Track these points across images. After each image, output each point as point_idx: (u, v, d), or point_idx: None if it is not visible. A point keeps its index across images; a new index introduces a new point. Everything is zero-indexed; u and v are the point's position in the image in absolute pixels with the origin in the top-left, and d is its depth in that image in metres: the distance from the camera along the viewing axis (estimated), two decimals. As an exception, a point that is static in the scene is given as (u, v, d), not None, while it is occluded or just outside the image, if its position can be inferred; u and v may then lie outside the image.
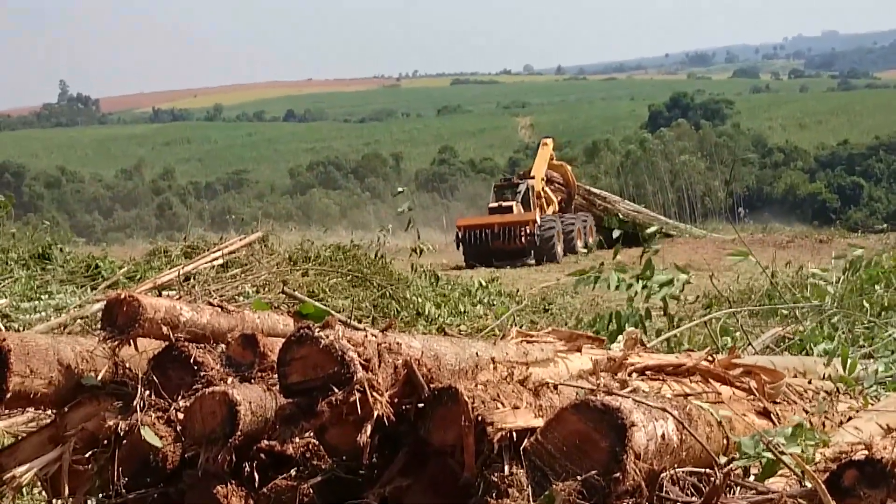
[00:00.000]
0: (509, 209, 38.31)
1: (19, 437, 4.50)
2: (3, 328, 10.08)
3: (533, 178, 40.07)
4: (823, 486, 2.97)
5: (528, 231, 36.78)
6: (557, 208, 40.43)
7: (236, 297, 12.81)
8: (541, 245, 36.56)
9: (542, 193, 40.02)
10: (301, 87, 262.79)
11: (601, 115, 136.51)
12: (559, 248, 37.13)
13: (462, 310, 14.29)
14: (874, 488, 3.00)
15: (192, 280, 14.17)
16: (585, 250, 37.35)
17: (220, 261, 15.55)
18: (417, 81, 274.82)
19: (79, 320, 11.20)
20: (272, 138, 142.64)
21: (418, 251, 18.03)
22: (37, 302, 13.03)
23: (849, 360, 5.71)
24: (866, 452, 3.06)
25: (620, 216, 40.63)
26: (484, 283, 16.13)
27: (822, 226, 57.64)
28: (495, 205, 39.15)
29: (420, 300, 14.18)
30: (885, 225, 50.05)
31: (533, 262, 36.04)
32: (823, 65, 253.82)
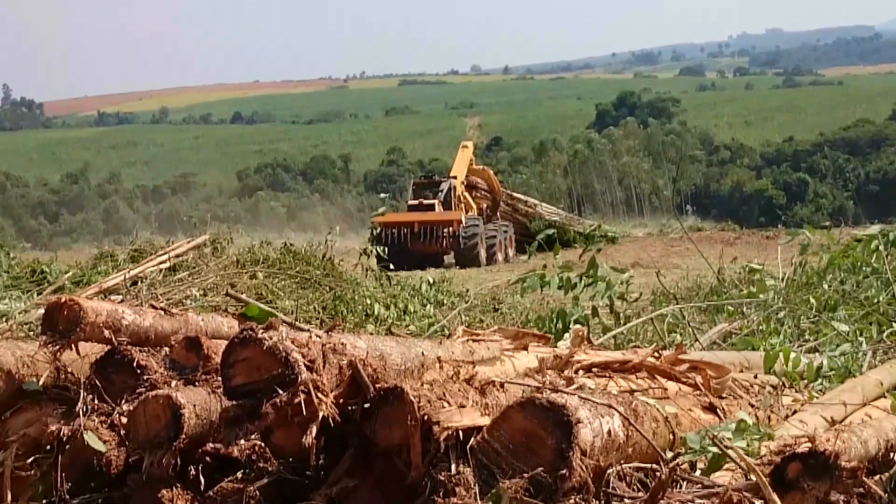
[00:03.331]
0: (431, 207, 36.06)
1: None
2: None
3: (455, 178, 37.88)
4: (765, 480, 3.00)
5: (451, 232, 34.86)
6: (476, 213, 37.76)
7: (183, 300, 12.69)
8: (463, 248, 34.66)
9: (462, 197, 37.67)
10: (248, 90, 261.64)
11: (549, 115, 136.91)
12: (482, 252, 34.98)
13: (412, 310, 14.25)
14: (817, 480, 3.03)
15: (139, 284, 14.03)
16: (506, 262, 35.41)
17: (168, 264, 15.40)
18: (365, 82, 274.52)
19: (24, 326, 11.06)
20: (219, 141, 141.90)
21: (367, 253, 18.00)
22: (-19, 308, 12.84)
23: (791, 355, 5.75)
24: (809, 445, 3.09)
25: (542, 221, 38.64)
26: (433, 283, 16.10)
27: (769, 223, 58.16)
28: (415, 202, 36.77)
29: (369, 301, 14.12)
30: (830, 221, 50.57)
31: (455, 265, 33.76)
32: (768, 62, 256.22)
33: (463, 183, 38.11)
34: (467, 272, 29.30)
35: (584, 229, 39.96)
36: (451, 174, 38.64)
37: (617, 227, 46.91)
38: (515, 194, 43.36)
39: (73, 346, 3.86)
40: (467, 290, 18.79)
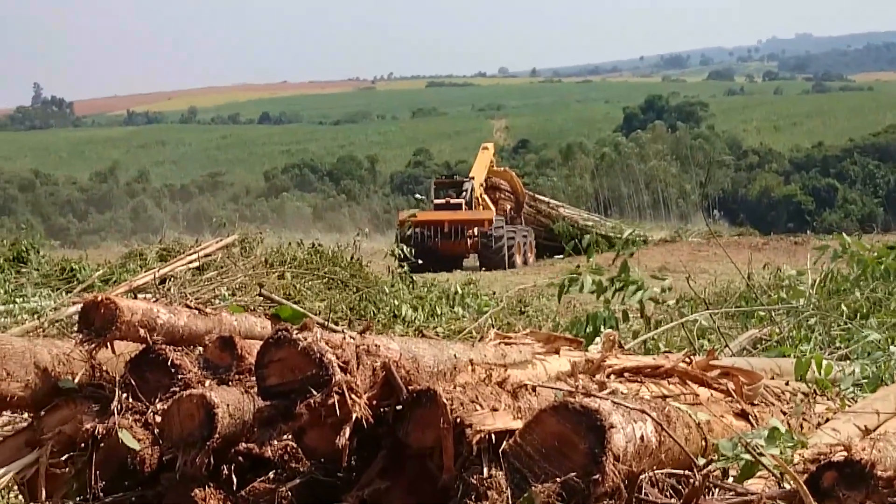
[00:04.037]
0: (458, 206, 35.59)
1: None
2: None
3: (473, 178, 37.39)
4: (805, 487, 2.98)
5: (480, 232, 34.31)
6: (497, 215, 36.88)
7: (212, 299, 12.76)
8: (491, 249, 34.11)
9: (481, 199, 37.28)
10: (276, 90, 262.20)
11: (576, 118, 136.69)
12: (507, 254, 34.51)
13: (439, 312, 14.27)
14: (853, 489, 3.01)
15: (167, 283, 14.12)
16: (524, 266, 34.85)
17: (196, 263, 15.51)
18: (393, 84, 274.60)
19: (54, 324, 11.14)
20: (247, 141, 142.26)
21: (395, 254, 18.01)
22: (11, 305, 12.95)
23: (823, 363, 5.72)
24: (845, 454, 3.07)
25: (566, 222, 38.07)
26: (461, 287, 16.10)
27: (797, 228, 57.85)
28: (443, 201, 36.15)
29: (397, 302, 14.15)
30: (859, 228, 50.26)
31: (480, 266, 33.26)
32: (797, 67, 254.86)
33: (482, 184, 37.76)
34: (493, 275, 29.26)
35: (607, 232, 39.35)
36: (470, 175, 38.17)
37: (636, 231, 46.48)
38: (538, 196, 42.85)
39: (108, 344, 3.88)
40: (494, 293, 18.78)
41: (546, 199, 42.36)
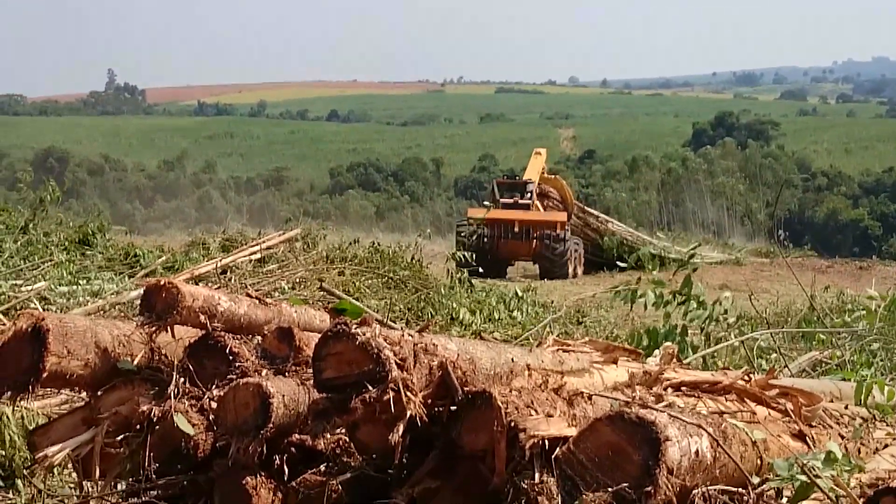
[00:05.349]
0: (527, 206, 34.39)
1: (52, 419, 4.52)
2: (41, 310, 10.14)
3: (531, 181, 35.97)
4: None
5: (555, 235, 33.28)
6: None
7: (272, 292, 12.84)
8: (555, 254, 33.09)
9: (534, 204, 35.71)
10: (346, 88, 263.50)
11: (644, 131, 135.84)
12: (570, 263, 33.58)
13: (497, 317, 14.24)
14: (911, 516, 2.96)
15: (229, 273, 14.24)
16: (575, 279, 33.41)
17: (258, 255, 15.63)
18: (462, 88, 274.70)
19: (116, 307, 11.27)
20: (315, 137, 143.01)
21: (456, 258, 18.00)
22: (75, 287, 13.10)
23: (886, 388, 5.64)
24: (904, 480, 3.02)
25: (616, 238, 36.56)
26: (520, 293, 16.05)
27: (863, 253, 57.11)
28: (510, 200, 34.77)
29: (455, 305, 14.15)
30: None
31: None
32: (873, 91, 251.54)
33: (535, 190, 36.36)
34: (550, 284, 29.09)
35: (658, 251, 37.61)
36: (526, 178, 36.79)
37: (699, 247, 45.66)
38: (588, 208, 41.20)
39: (168, 328, 3.91)
40: (552, 301, 18.74)
41: (595, 213, 40.66)
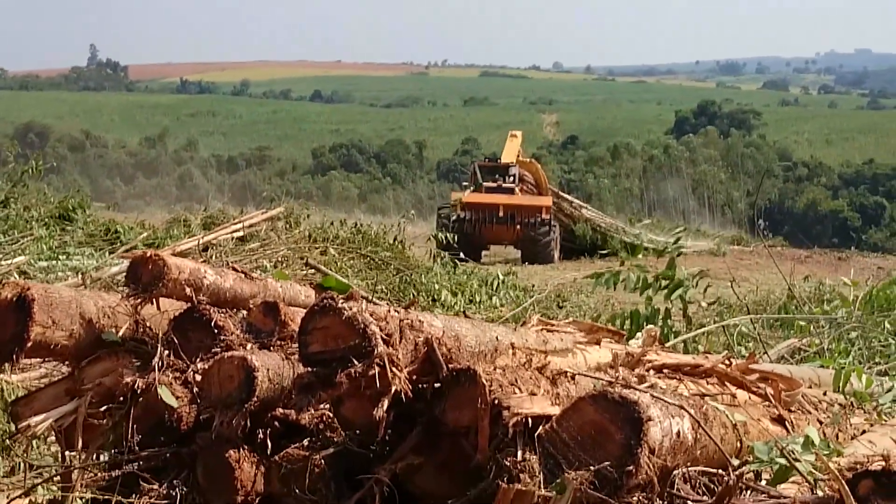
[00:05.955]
0: (510, 190, 33.59)
1: (34, 389, 4.51)
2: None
3: (513, 164, 35.19)
4: (847, 488, 2.95)
5: (540, 219, 32.68)
6: None
7: (254, 270, 12.82)
8: (541, 241, 32.58)
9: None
10: (330, 69, 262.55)
11: (627, 118, 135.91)
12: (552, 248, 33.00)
13: (478, 300, 14.28)
14: (889, 500, 2.99)
15: (210, 250, 14.22)
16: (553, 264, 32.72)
17: (240, 234, 15.61)
18: (446, 71, 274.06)
19: (96, 282, 11.23)
20: (297, 117, 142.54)
21: (438, 238, 18.03)
22: (54, 262, 13.07)
23: (864, 376, 5.69)
24: (883, 463, 3.05)
25: (588, 224, 36.21)
26: (502, 277, 16.08)
27: (842, 244, 57.33)
28: (494, 184, 33.90)
29: (437, 287, 14.18)
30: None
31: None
32: (854, 82, 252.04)
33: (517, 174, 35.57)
34: (532, 268, 29.12)
35: (630, 239, 36.95)
36: (504, 161, 35.96)
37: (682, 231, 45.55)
38: (562, 193, 40.13)
39: (154, 300, 3.91)
40: (533, 286, 18.76)
41: (570, 198, 39.66)
